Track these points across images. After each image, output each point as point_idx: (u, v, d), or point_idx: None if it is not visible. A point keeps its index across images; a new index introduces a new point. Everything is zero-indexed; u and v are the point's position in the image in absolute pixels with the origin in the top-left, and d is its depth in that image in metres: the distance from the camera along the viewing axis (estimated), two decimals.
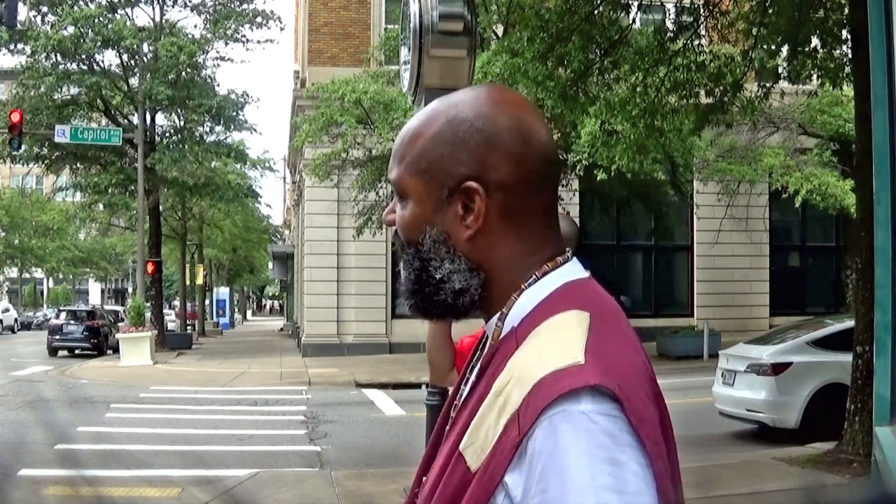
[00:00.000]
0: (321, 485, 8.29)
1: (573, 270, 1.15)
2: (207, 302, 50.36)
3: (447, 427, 1.18)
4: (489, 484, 1.00)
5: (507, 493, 1.00)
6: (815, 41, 11.26)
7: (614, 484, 0.94)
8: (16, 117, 22.37)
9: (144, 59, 26.74)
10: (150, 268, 27.60)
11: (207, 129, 29.26)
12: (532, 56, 10.54)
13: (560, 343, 1.03)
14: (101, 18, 26.14)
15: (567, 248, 1.17)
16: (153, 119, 28.33)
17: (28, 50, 26.19)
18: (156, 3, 27.94)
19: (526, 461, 0.98)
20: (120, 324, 29.57)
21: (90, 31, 25.82)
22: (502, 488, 1.00)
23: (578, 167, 16.65)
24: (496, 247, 1.13)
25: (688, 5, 11.56)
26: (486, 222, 1.12)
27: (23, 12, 22.55)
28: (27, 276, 64.84)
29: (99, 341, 27.79)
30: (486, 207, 1.11)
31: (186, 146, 27.71)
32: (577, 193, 22.00)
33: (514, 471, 0.99)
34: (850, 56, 10.07)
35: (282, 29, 30.27)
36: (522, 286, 1.12)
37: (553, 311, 1.08)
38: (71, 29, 25.77)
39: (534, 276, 1.12)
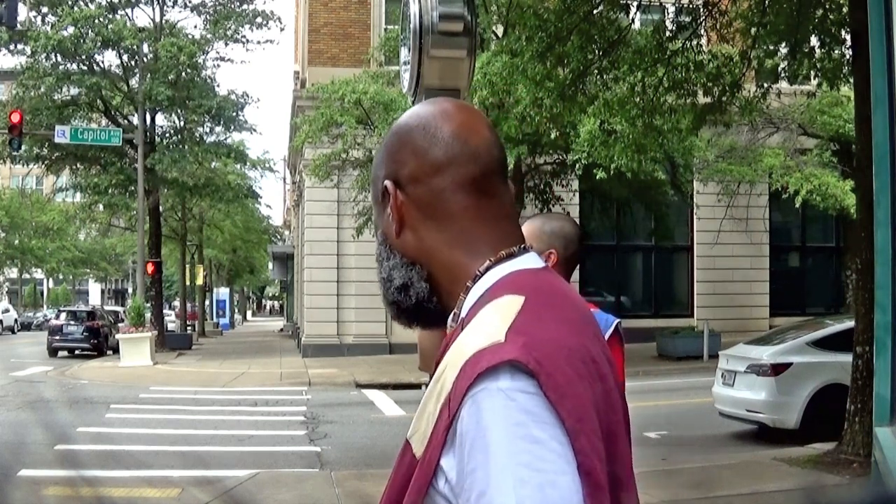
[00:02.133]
0: (321, 485, 8.28)
1: (524, 262, 1.15)
2: (207, 302, 50.34)
3: None
4: (428, 469, 1.02)
5: (445, 477, 1.01)
6: (813, 41, 11.26)
7: (532, 461, 0.95)
8: (16, 118, 22.36)
9: (144, 59, 26.72)
10: (150, 268, 27.58)
11: (207, 130, 29.26)
12: (531, 56, 10.54)
13: (487, 325, 1.05)
14: (101, 19, 26.11)
15: (526, 245, 1.18)
16: (153, 119, 28.32)
17: (28, 50, 26.15)
18: (156, 3, 27.93)
19: (457, 443, 0.99)
20: (120, 324, 29.55)
21: (90, 31, 25.78)
22: (441, 472, 1.01)
23: (578, 167, 16.63)
24: (423, 240, 1.17)
25: (686, 5, 11.57)
26: (407, 216, 1.17)
27: (23, 12, 22.56)
28: (27, 276, 64.89)
29: (99, 342, 27.76)
30: (402, 202, 1.17)
31: (186, 147, 27.70)
32: (577, 193, 21.98)
33: (449, 454, 1.00)
34: (849, 56, 10.07)
35: (282, 29, 30.31)
36: (468, 284, 1.14)
37: (493, 298, 1.10)
38: (71, 29, 25.74)
39: (477, 274, 1.14)
